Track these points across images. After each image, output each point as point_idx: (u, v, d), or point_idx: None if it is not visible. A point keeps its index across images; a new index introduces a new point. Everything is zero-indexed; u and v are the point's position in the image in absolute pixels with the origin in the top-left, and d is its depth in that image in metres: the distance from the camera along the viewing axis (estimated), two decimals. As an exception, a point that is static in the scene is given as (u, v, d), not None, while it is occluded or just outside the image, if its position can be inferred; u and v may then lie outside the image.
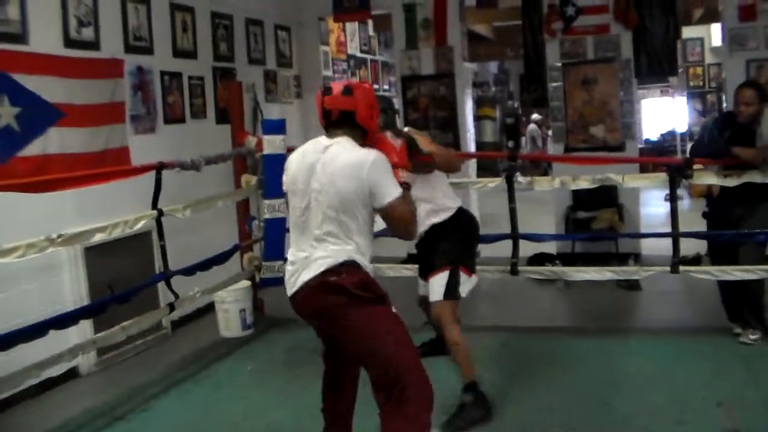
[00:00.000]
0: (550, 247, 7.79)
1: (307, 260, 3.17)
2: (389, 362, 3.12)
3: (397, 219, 3.17)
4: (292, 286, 3.24)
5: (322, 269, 3.13)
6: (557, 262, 7.41)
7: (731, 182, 5.14)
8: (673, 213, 5.34)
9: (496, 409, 4.37)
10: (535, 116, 17.17)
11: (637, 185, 6.16)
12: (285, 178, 3.35)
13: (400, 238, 3.42)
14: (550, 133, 13.71)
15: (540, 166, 14.35)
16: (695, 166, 5.26)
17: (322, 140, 3.25)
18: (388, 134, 3.48)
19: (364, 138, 3.28)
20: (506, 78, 19.91)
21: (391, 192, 3.12)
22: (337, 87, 3.24)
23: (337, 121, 3.21)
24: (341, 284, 3.10)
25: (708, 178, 5.30)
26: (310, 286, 3.16)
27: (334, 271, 3.12)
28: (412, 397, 3.09)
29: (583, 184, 5.56)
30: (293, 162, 3.33)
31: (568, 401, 4.51)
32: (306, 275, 3.16)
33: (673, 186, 5.28)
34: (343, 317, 3.14)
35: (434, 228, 4.48)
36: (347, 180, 3.09)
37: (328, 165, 3.14)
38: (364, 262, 3.20)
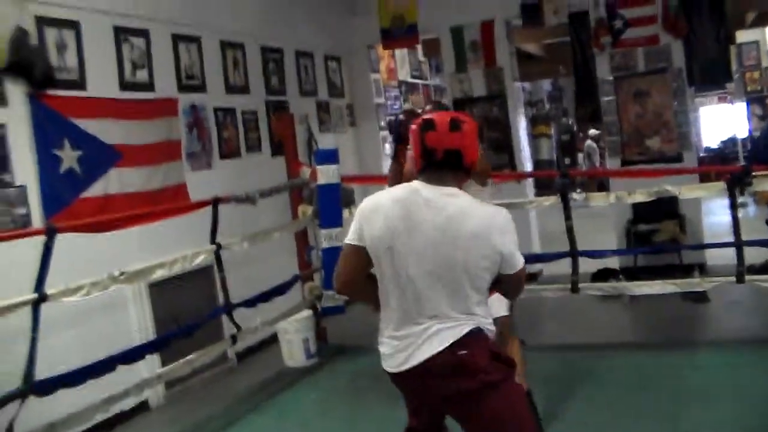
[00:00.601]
0: (613, 263, 7.68)
1: (423, 333, 2.60)
2: None
3: (520, 282, 2.77)
4: (401, 363, 2.64)
5: (448, 343, 2.57)
6: (620, 277, 7.30)
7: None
8: (735, 221, 5.23)
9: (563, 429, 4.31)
10: (592, 132, 17.00)
11: (694, 196, 6.04)
12: (365, 224, 2.67)
13: (505, 297, 3.23)
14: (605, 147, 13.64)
15: (598, 181, 14.20)
16: (755, 173, 5.15)
17: (421, 188, 2.63)
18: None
19: (461, 184, 2.71)
20: (560, 95, 19.78)
21: (520, 257, 2.68)
22: (442, 121, 2.63)
23: (441, 162, 2.62)
24: (473, 362, 2.58)
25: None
26: (434, 365, 2.59)
27: (462, 344, 2.58)
28: None
29: (640, 197, 5.50)
30: (385, 206, 2.65)
31: (635, 418, 4.43)
32: (425, 351, 2.59)
33: (733, 194, 5.18)
34: (477, 404, 2.61)
35: None
36: (477, 249, 2.55)
37: (446, 227, 2.56)
38: (488, 327, 2.70)
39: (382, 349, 2.70)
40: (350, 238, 2.71)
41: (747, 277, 5.20)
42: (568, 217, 5.58)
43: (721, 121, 17.72)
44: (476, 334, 2.60)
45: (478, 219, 2.58)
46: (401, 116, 4.82)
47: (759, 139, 5.33)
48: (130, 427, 5.33)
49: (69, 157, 5.11)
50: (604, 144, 15.52)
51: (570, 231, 5.62)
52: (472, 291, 2.59)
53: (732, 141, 16.18)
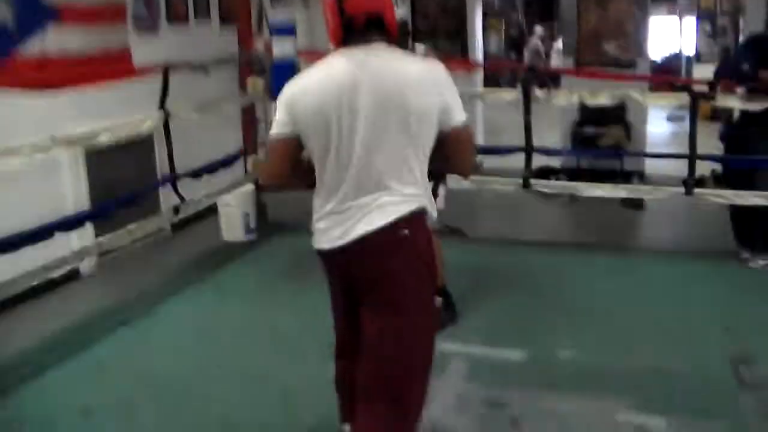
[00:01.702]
0: (554, 162, 7.71)
1: (366, 207, 2.41)
2: (412, 386, 2.52)
3: (466, 146, 2.52)
4: (336, 239, 2.46)
5: (392, 219, 2.39)
6: (561, 176, 7.34)
7: (755, 107, 5.02)
8: (692, 134, 5.24)
9: (499, 323, 4.40)
10: (538, 30, 16.82)
11: (658, 104, 6.00)
12: (296, 108, 2.44)
13: (453, 173, 3.09)
14: (556, 47, 13.48)
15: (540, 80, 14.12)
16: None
17: (345, 55, 2.43)
18: (420, 50, 3.08)
19: None
20: (511, -10, 19.44)
21: (463, 114, 2.46)
22: None
23: (363, 29, 2.42)
24: (414, 241, 2.44)
25: (731, 101, 5.18)
26: (371, 240, 2.41)
27: (405, 222, 2.41)
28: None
29: (602, 100, 5.47)
30: (312, 88, 2.43)
31: (574, 318, 4.50)
32: (365, 226, 2.40)
33: (695, 107, 5.17)
34: (402, 290, 2.45)
35: None
36: (418, 97, 2.36)
37: (383, 82, 2.37)
38: (432, 212, 2.53)
39: (318, 225, 2.53)
40: (278, 130, 2.49)
41: (696, 190, 5.23)
42: (527, 112, 5.53)
43: (667, 34, 17.68)
44: (420, 213, 2.45)
45: (417, 69, 2.43)
46: None
47: (730, 57, 5.30)
48: (60, 294, 5.15)
49: (2, 13, 4.73)
50: (551, 43, 15.44)
51: (528, 126, 5.59)
52: (416, 159, 2.41)
53: (677, 56, 16.14)
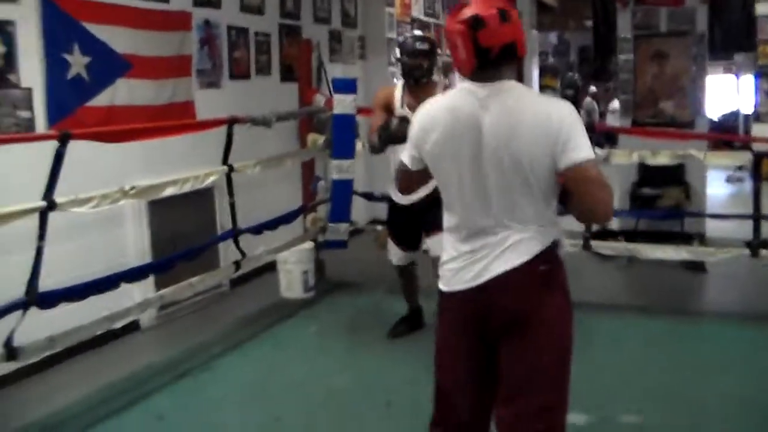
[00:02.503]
0: (612, 223, 7.60)
1: (500, 246, 2.42)
2: (561, 421, 2.54)
3: (594, 181, 2.33)
4: (471, 279, 2.46)
5: (528, 256, 2.41)
6: (620, 238, 7.23)
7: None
8: (756, 194, 5.15)
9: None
10: (592, 89, 16.81)
11: (719, 164, 5.91)
12: (423, 147, 2.52)
13: (590, 220, 3.10)
14: (612, 107, 13.42)
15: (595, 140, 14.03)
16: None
17: (477, 89, 2.43)
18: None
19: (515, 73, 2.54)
20: (566, 49, 19.57)
21: (590, 151, 2.33)
22: (490, 15, 2.36)
23: (496, 60, 2.39)
24: (554, 277, 2.47)
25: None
26: (510, 278, 2.41)
27: (541, 258, 2.43)
28: None
29: (662, 159, 5.42)
30: (439, 118, 2.48)
31: (635, 383, 4.39)
32: (502, 264, 2.41)
33: (758, 166, 5.09)
34: (547, 326, 2.47)
35: (428, 197, 4.17)
36: (534, 136, 2.33)
37: (503, 121, 2.37)
38: (564, 242, 2.55)
39: (449, 266, 2.52)
40: (408, 163, 2.64)
41: (762, 252, 5.12)
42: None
43: (724, 93, 17.48)
44: (554, 247, 2.46)
45: (537, 107, 2.40)
46: (418, 43, 4.67)
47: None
48: (120, 345, 5.21)
49: (78, 62, 4.90)
50: (607, 102, 15.37)
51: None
52: (542, 194, 2.39)
53: (734, 115, 15.90)
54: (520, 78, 8.37)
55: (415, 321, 5.20)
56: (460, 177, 2.44)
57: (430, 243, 4.74)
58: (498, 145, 2.37)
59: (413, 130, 2.58)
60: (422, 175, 2.68)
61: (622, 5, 7.87)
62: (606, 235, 7.27)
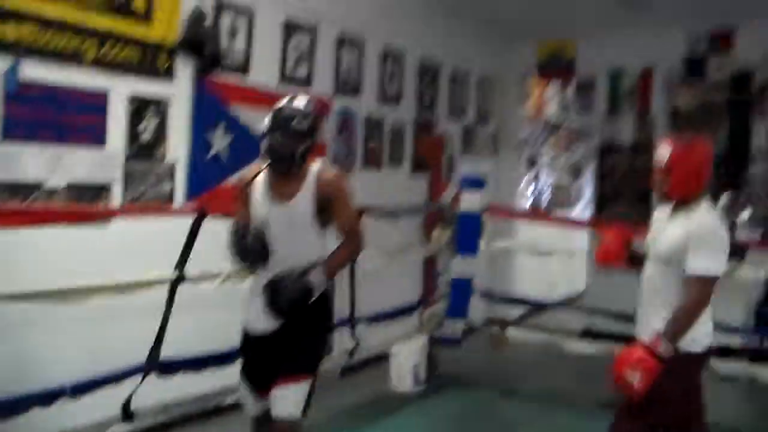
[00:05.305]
0: (734, 340, 7.16)
1: None
2: None
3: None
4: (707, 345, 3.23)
5: None
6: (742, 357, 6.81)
7: None
8: None
9: None
10: (723, 198, 16.17)
11: None
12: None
13: None
14: (743, 217, 12.84)
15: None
16: None
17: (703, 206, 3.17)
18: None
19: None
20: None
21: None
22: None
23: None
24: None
25: None
26: None
27: None
28: None
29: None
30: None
31: None
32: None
33: None
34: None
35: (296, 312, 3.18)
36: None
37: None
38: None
39: (704, 329, 3.17)
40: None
41: None
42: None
43: None
44: None
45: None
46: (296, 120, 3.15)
47: None
48: (224, 423, 5.22)
49: (220, 142, 5.10)
50: (733, 214, 14.71)
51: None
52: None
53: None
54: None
55: None
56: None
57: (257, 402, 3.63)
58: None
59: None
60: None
61: (761, 114, 7.63)
62: (728, 352, 6.86)
